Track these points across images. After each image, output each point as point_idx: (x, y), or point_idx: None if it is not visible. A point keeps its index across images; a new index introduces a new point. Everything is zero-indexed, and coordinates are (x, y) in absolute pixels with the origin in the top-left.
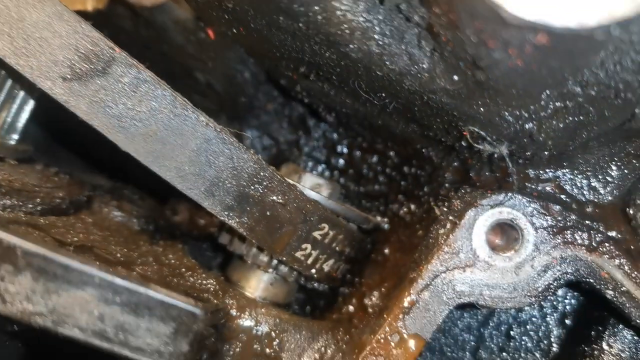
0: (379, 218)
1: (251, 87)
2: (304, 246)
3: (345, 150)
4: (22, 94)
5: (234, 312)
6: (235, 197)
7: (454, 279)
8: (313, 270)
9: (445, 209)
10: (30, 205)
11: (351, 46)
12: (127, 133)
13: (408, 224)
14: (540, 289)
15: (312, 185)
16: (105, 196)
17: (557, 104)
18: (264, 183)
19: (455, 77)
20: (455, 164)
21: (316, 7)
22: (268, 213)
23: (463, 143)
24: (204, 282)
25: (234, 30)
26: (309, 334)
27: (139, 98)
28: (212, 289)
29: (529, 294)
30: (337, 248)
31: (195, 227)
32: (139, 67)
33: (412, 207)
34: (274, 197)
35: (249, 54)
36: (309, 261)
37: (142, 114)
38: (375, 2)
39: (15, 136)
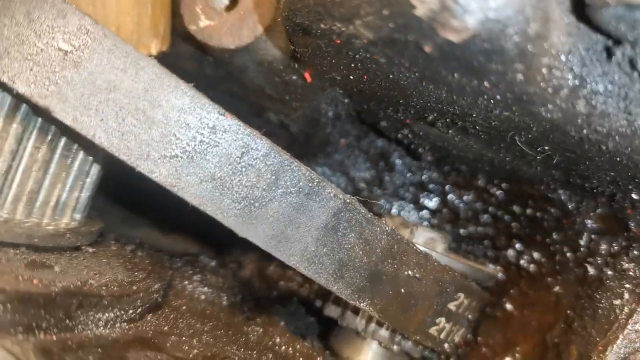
0: (490, 266)
1: (330, 125)
2: (438, 320)
3: (437, 187)
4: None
5: None
6: (367, 277)
7: None
8: (446, 345)
9: (610, 272)
10: (131, 311)
11: (549, 106)
12: (245, 216)
13: (534, 276)
14: None
15: (426, 241)
16: (186, 269)
17: None
18: (398, 257)
19: None
20: (600, 210)
21: (518, 65)
22: (402, 290)
23: (635, 196)
24: None
25: (351, 77)
26: None
27: (257, 173)
28: None
29: None
30: (469, 316)
31: (267, 281)
32: (256, 136)
33: (536, 255)
34: (409, 272)
35: (347, 95)
36: (442, 335)
37: (260, 190)
38: (595, 55)
39: (79, 215)
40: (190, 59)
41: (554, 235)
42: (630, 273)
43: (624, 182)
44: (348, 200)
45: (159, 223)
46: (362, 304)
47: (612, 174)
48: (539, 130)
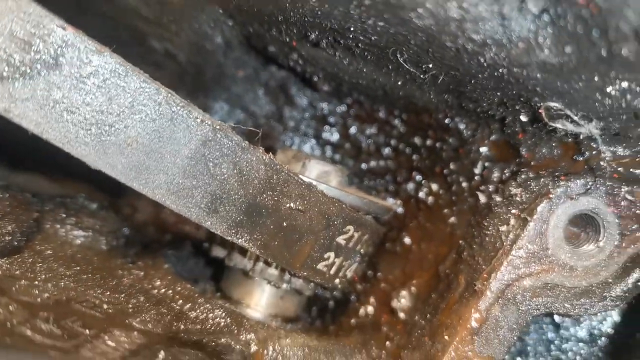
0: (390, 200)
1: (221, 54)
2: (326, 255)
3: (338, 120)
4: None
5: (254, 347)
6: (244, 210)
7: (530, 288)
8: (337, 281)
9: (500, 199)
10: None
11: (420, 11)
12: (96, 145)
13: (431, 208)
14: (629, 287)
15: (319, 174)
16: (58, 212)
17: None
18: (278, 188)
19: (569, 49)
20: (494, 137)
21: None
22: (285, 224)
23: (523, 118)
24: (211, 316)
25: None
26: (342, 358)
27: (108, 95)
28: (222, 323)
29: (618, 294)
30: (361, 250)
31: (163, 226)
32: (104, 51)
33: (434, 187)
34: (291, 204)
35: (228, 15)
36: (332, 271)
37: (114, 116)
38: None
39: None
40: None
41: (451, 166)
42: (517, 198)
43: (511, 103)
44: (218, 127)
45: (39, 166)
46: (240, 240)
47: (498, 93)
48: (417, 44)
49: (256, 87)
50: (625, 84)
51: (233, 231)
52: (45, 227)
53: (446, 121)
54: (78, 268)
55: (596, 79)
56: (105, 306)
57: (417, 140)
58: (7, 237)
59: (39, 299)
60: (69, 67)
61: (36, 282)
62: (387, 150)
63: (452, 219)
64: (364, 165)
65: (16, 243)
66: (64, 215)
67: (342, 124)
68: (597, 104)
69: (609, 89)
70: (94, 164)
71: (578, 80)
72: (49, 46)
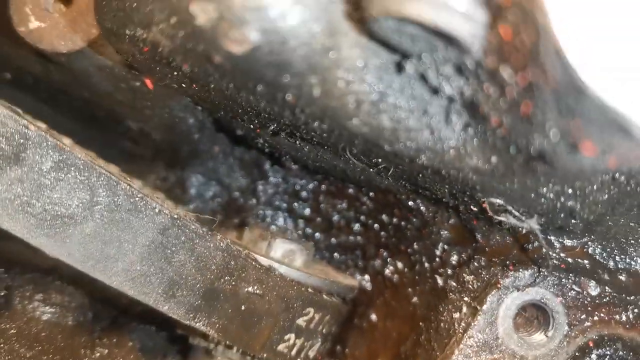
0: (358, 276)
1: (196, 132)
2: (287, 337)
3: (310, 195)
4: None
5: None
6: (201, 295)
7: None
8: None
9: (454, 284)
10: None
11: (355, 121)
12: (55, 235)
13: (397, 286)
14: None
15: (284, 253)
16: (26, 288)
17: (605, 177)
18: (236, 273)
19: (494, 159)
20: (453, 221)
21: (312, 79)
22: (243, 307)
23: (473, 208)
24: None
25: (183, 86)
26: None
27: (67, 188)
28: None
29: None
30: (323, 330)
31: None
32: (63, 148)
33: (399, 265)
34: (249, 288)
35: (196, 104)
36: (293, 352)
37: (73, 208)
38: (389, 70)
39: None
40: (34, 62)
41: (415, 245)
42: (470, 286)
43: (460, 195)
44: (176, 216)
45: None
46: (198, 324)
47: (446, 187)
48: (360, 143)
49: (231, 161)
50: (557, 187)
51: (191, 315)
52: (12, 304)
53: (409, 202)
54: (40, 348)
55: (528, 182)
56: None
57: (384, 217)
58: None
59: None
60: (30, 163)
61: None
62: (356, 226)
63: (415, 299)
64: (334, 240)
65: None
66: (33, 291)
67: (314, 199)
68: (534, 202)
69: (542, 190)
70: (52, 253)
71: (512, 183)
72: (11, 142)
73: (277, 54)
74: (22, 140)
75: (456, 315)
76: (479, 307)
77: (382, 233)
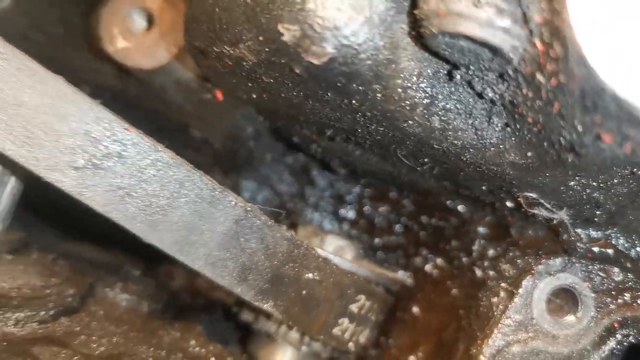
0: (400, 273)
1: (252, 141)
2: (340, 321)
3: (354, 199)
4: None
5: None
6: (269, 279)
7: (518, 353)
8: (350, 344)
9: (492, 273)
10: (43, 312)
11: (410, 122)
12: (150, 223)
13: (437, 281)
14: (606, 354)
15: (336, 249)
16: (108, 278)
17: (625, 171)
18: (299, 261)
19: (530, 153)
20: (489, 218)
21: (376, 86)
22: (304, 292)
23: (509, 204)
24: None
25: (253, 96)
26: None
27: (161, 182)
28: None
29: None
30: (372, 317)
31: (197, 292)
32: (157, 148)
33: (439, 261)
34: (310, 275)
35: (259, 113)
36: (346, 336)
37: (164, 199)
38: (440, 78)
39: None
40: (115, 78)
41: (453, 242)
42: (506, 273)
43: (497, 191)
44: (249, 208)
45: (89, 236)
46: (265, 305)
47: (485, 184)
48: (412, 144)
49: (281, 168)
50: (583, 180)
51: (259, 297)
52: (97, 291)
53: (447, 203)
54: (126, 327)
55: (558, 175)
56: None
57: (424, 218)
58: (68, 299)
59: (96, 352)
60: (131, 160)
61: (93, 338)
62: (397, 227)
63: (454, 291)
64: (377, 241)
65: (75, 304)
66: (113, 281)
67: (358, 203)
68: (564, 195)
69: (571, 183)
70: (146, 239)
71: (544, 176)
72: (115, 143)
73: (349, 64)
74: (124, 141)
75: (494, 299)
76: (515, 291)
77: (422, 233)
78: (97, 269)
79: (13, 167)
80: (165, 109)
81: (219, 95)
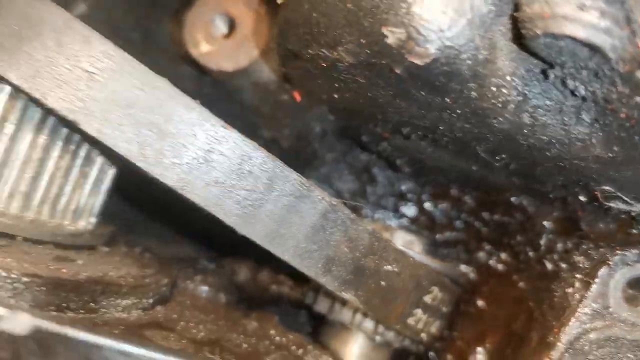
0: (462, 267)
1: (317, 140)
2: (415, 312)
3: (414, 197)
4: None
5: None
6: (352, 271)
7: (595, 340)
8: (423, 335)
9: (564, 265)
10: (145, 300)
11: (500, 119)
12: (244, 216)
13: (502, 274)
14: None
15: (405, 243)
16: (187, 271)
17: None
18: (379, 253)
19: (616, 148)
20: (556, 213)
21: (472, 84)
22: (383, 283)
23: (582, 198)
24: None
25: (335, 96)
26: None
27: (255, 178)
28: None
29: None
30: (443, 309)
31: (259, 287)
32: (254, 146)
33: (503, 256)
34: (389, 267)
35: (333, 112)
36: (419, 326)
37: (257, 193)
38: (534, 76)
39: (94, 218)
40: (190, 79)
41: (518, 237)
42: (580, 265)
43: (572, 186)
44: (334, 203)
45: (163, 231)
46: (347, 295)
47: (561, 178)
48: (495, 140)
49: (342, 167)
50: None
51: (342, 287)
52: (179, 283)
53: (512, 199)
54: (212, 316)
55: None
56: (244, 345)
57: (486, 214)
58: (163, 288)
59: (197, 337)
60: (229, 157)
61: (191, 324)
62: (458, 223)
63: (521, 284)
64: (438, 236)
65: (168, 294)
66: (193, 273)
67: (418, 200)
68: None
69: None
70: (241, 231)
71: (627, 170)
72: (216, 141)
73: (450, 64)
74: (224, 139)
75: (569, 290)
76: (591, 281)
77: (484, 229)
78: (179, 262)
79: (113, 160)
80: (238, 110)
81: (297, 96)
